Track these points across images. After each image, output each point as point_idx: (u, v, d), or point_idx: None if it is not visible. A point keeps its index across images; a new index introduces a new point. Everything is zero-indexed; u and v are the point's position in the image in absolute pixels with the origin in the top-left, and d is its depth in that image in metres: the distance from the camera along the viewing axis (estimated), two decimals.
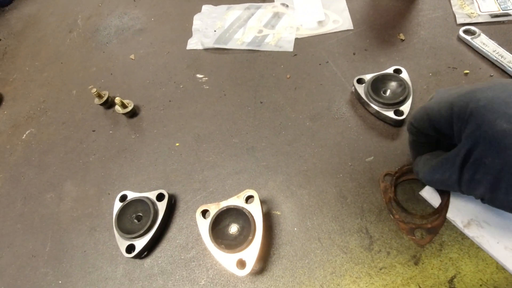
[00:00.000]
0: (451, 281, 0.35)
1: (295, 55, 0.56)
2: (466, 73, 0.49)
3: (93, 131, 0.55)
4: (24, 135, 0.57)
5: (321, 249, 0.39)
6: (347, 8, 0.60)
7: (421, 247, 0.37)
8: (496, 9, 0.53)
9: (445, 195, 0.39)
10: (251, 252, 0.36)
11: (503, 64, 0.47)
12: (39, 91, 0.63)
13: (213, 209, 0.39)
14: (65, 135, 0.56)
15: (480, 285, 0.34)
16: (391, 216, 0.40)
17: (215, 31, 0.62)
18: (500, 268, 0.35)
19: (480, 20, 0.52)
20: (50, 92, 0.63)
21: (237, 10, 0.65)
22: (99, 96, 0.55)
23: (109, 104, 0.56)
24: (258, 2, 0.66)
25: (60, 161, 0.53)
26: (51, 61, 0.68)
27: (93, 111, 0.57)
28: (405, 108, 0.44)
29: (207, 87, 0.56)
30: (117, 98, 0.52)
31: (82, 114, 0.58)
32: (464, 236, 0.37)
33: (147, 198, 0.43)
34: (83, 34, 0.70)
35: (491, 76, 0.48)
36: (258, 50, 0.58)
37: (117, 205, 0.44)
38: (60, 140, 0.55)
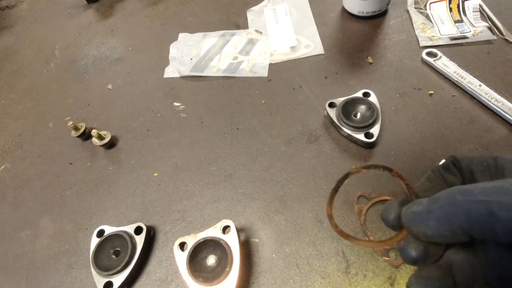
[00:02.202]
0: None
1: (270, 80, 0.58)
2: (431, 94, 0.51)
3: (70, 164, 0.55)
4: None
5: (299, 275, 0.39)
6: (317, 33, 0.63)
7: (396, 267, 0.38)
8: (454, 32, 0.56)
9: None
10: (229, 283, 0.36)
11: (463, 84, 0.50)
12: (15, 124, 0.63)
13: (191, 241, 0.39)
14: (41, 169, 0.55)
15: None
16: (366, 238, 0.41)
17: (191, 59, 0.64)
18: None
19: (440, 42, 0.56)
20: (26, 125, 0.62)
21: (212, 38, 0.67)
22: (76, 128, 0.55)
23: (86, 136, 0.56)
24: (233, 29, 0.68)
25: (36, 197, 0.52)
26: (27, 93, 0.67)
27: (70, 143, 0.57)
28: (375, 130, 0.46)
29: (184, 115, 0.57)
30: (93, 130, 0.52)
31: (59, 147, 0.57)
32: None
33: (125, 232, 0.43)
34: (60, 65, 0.71)
35: (454, 96, 0.50)
36: (233, 77, 0.60)
37: (94, 241, 0.43)
38: (36, 174, 0.54)
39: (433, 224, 0.21)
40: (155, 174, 0.51)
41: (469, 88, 0.49)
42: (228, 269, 0.36)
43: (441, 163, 0.27)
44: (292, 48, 0.62)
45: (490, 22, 0.56)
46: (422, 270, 0.23)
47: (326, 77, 0.56)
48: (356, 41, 0.61)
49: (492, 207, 0.18)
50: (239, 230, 0.43)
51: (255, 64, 0.61)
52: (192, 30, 0.70)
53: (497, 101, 0.47)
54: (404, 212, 0.23)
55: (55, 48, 0.74)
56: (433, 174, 0.27)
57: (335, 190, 0.27)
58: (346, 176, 0.27)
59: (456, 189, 0.21)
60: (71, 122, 0.54)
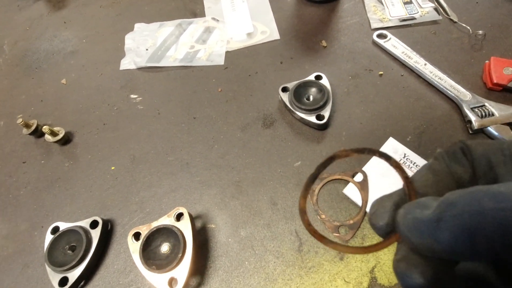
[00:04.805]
0: (372, 271, 0.38)
1: (226, 68, 0.58)
2: (381, 74, 0.53)
3: (24, 162, 0.53)
4: None
5: (254, 257, 0.40)
6: (274, 19, 0.63)
7: (345, 242, 0.40)
8: (403, 14, 0.58)
9: (365, 191, 0.42)
10: (182, 269, 0.36)
11: (410, 64, 0.51)
12: None
13: (145, 230, 0.39)
14: None
15: None
16: (318, 217, 0.42)
17: (147, 49, 0.62)
18: None
19: (390, 24, 0.57)
20: None
21: (169, 27, 0.66)
22: (27, 125, 0.53)
23: (39, 133, 0.54)
24: (190, 18, 0.67)
25: None
26: None
27: (23, 142, 0.55)
28: (326, 112, 0.47)
29: (142, 107, 0.56)
30: (45, 126, 0.51)
31: (11, 146, 0.55)
32: None
33: (80, 227, 0.43)
34: (10, 61, 0.68)
35: (402, 75, 0.52)
36: (190, 66, 0.59)
37: (49, 238, 0.43)
38: None
39: (446, 238, 0.15)
40: (112, 168, 0.50)
41: (416, 68, 0.51)
42: (180, 255, 0.37)
43: (440, 149, 0.21)
44: (249, 34, 0.62)
45: (436, 3, 0.58)
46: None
47: (281, 62, 0.57)
48: (311, 25, 0.61)
49: None
50: (194, 217, 0.43)
51: (212, 52, 0.60)
52: (148, 20, 0.68)
53: (440, 78, 0.49)
54: (403, 217, 0.17)
55: (3, 43, 0.71)
56: (438, 165, 0.20)
57: (314, 177, 0.20)
58: (330, 159, 0.20)
59: (479, 192, 0.15)
60: (21, 120, 0.52)
